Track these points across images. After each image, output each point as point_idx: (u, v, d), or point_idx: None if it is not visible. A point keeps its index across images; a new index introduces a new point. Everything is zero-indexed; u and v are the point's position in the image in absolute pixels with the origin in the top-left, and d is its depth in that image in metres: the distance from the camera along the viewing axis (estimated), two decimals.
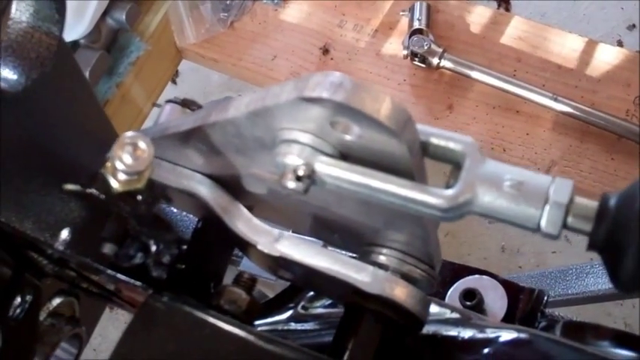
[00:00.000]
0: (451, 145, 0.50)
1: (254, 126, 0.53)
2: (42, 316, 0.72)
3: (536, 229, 0.48)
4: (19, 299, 0.68)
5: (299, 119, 0.50)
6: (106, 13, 1.48)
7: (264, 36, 1.61)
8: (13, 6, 0.54)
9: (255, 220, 0.62)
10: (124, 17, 1.48)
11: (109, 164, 0.52)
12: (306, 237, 0.68)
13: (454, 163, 0.50)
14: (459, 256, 1.96)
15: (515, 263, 1.96)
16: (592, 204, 0.47)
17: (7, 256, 0.66)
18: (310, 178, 0.50)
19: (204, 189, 0.61)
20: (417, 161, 0.50)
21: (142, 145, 0.52)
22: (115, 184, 0.53)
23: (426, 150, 0.51)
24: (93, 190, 0.55)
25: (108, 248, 0.58)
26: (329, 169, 0.50)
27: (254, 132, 0.53)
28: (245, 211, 0.62)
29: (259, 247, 0.59)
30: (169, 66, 1.65)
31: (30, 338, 0.70)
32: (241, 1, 1.62)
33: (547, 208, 0.47)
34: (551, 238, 0.48)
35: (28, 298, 0.68)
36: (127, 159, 0.51)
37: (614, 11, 2.21)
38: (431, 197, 0.49)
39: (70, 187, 0.57)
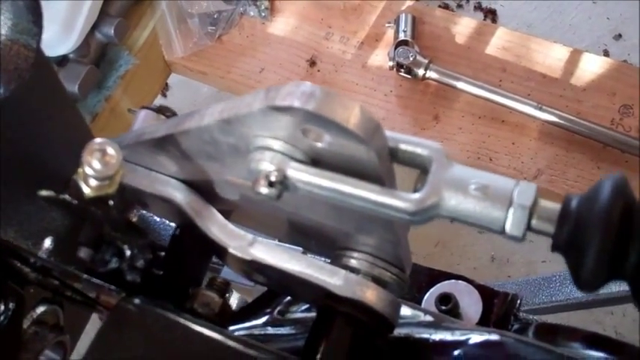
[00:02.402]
0: (418, 150, 0.51)
1: (227, 133, 0.54)
2: (26, 324, 0.73)
3: (502, 232, 0.49)
4: (2, 307, 0.69)
5: (271, 127, 0.51)
6: (94, 28, 1.49)
7: (252, 49, 1.62)
8: None
9: (229, 225, 0.63)
10: (112, 32, 1.49)
11: (80, 170, 0.54)
12: (284, 244, 0.69)
13: (422, 168, 0.51)
14: (449, 265, 1.97)
15: (505, 273, 1.97)
16: (555, 206, 0.48)
17: None
18: (282, 183, 0.51)
19: (179, 194, 0.62)
20: (385, 167, 0.51)
21: (110, 150, 0.53)
22: (86, 189, 0.54)
23: (394, 156, 0.52)
24: (66, 196, 0.56)
25: (83, 252, 0.59)
26: (300, 174, 0.51)
27: (228, 139, 0.54)
28: (219, 215, 0.63)
29: (232, 250, 0.60)
30: (158, 79, 1.67)
31: (13, 346, 0.71)
32: (229, 15, 1.63)
33: (511, 210, 0.48)
34: (516, 240, 0.49)
35: (11, 305, 0.69)
36: (96, 165, 0.52)
37: (600, 21, 2.23)
38: (398, 201, 0.50)
39: (44, 193, 0.58)
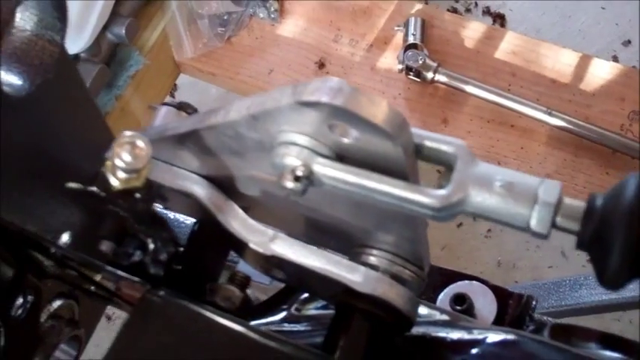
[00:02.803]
0: (443, 147, 0.51)
1: (253, 129, 0.54)
2: (42, 317, 0.73)
3: (526, 229, 0.49)
4: (20, 299, 0.69)
5: (297, 122, 0.51)
6: (105, 28, 1.50)
7: (261, 50, 1.63)
8: (18, 15, 0.56)
9: (250, 220, 0.63)
10: (123, 32, 1.50)
11: (109, 163, 0.54)
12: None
13: (446, 165, 0.52)
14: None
15: (511, 278, 1.97)
16: (579, 204, 0.48)
17: (10, 257, 0.67)
18: (308, 178, 0.51)
19: (200, 189, 0.63)
20: (410, 163, 0.51)
21: (140, 143, 0.54)
22: (114, 182, 0.54)
23: (419, 152, 0.52)
24: (94, 188, 0.56)
25: (105, 245, 0.60)
26: (326, 170, 0.52)
27: (253, 135, 0.55)
28: (240, 211, 0.63)
29: (252, 245, 0.61)
30: (167, 80, 1.67)
31: (31, 338, 0.72)
32: (238, 17, 1.64)
33: (536, 207, 0.48)
34: (541, 237, 0.49)
35: (30, 298, 0.70)
36: (126, 157, 0.53)
37: (609, 27, 2.23)
38: (424, 197, 0.50)
39: (72, 185, 0.58)
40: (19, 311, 0.70)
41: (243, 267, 0.88)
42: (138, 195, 0.55)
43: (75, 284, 0.72)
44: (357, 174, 0.51)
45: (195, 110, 0.66)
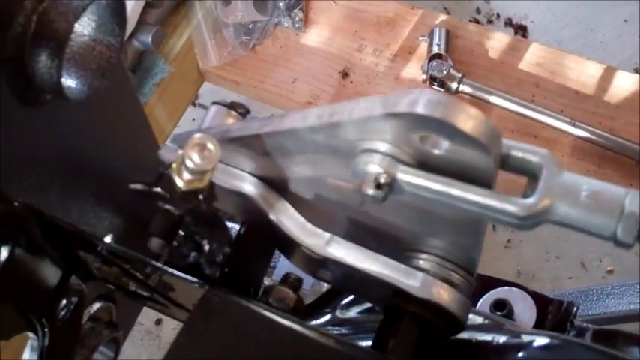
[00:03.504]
0: (529, 157, 0.52)
1: (333, 136, 0.54)
2: (83, 319, 0.74)
3: (611, 238, 0.49)
4: (65, 301, 0.70)
5: (383, 131, 0.51)
6: (132, 35, 1.51)
7: (285, 59, 1.64)
8: None
9: (307, 223, 0.63)
10: (150, 39, 1.51)
11: (175, 165, 0.55)
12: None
13: (531, 175, 0.52)
14: None
15: (530, 288, 1.96)
16: None
17: (59, 258, 0.68)
18: (390, 186, 0.52)
19: (253, 189, 0.63)
20: (496, 172, 0.52)
21: (210, 146, 0.54)
22: (179, 183, 0.55)
23: (504, 162, 0.52)
24: (158, 190, 0.57)
25: (154, 243, 0.60)
26: (410, 177, 0.52)
27: (330, 141, 0.55)
28: (294, 211, 0.64)
29: (307, 247, 0.61)
30: (192, 88, 1.68)
31: (72, 339, 0.72)
32: (263, 26, 1.64)
33: (623, 218, 0.48)
34: (626, 247, 0.49)
35: (74, 299, 0.71)
36: (196, 158, 0.54)
37: (631, 40, 2.22)
38: (511, 205, 0.50)
39: (135, 186, 0.59)
40: (63, 312, 0.71)
41: (279, 272, 0.89)
42: (201, 196, 0.56)
43: (118, 285, 0.73)
44: (441, 182, 0.51)
45: (247, 110, 0.67)
